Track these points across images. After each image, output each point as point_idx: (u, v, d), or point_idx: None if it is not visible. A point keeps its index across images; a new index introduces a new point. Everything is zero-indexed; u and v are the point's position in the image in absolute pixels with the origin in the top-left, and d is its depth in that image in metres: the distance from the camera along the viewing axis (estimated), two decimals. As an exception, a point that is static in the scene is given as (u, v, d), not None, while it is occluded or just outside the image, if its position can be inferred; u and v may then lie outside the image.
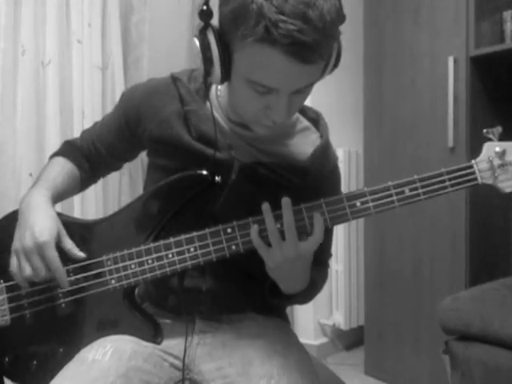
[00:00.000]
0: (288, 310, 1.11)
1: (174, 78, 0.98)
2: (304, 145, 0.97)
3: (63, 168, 1.05)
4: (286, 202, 0.82)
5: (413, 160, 2.12)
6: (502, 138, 0.84)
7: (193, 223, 0.90)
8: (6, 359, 0.95)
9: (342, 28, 0.82)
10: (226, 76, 0.82)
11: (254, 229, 0.84)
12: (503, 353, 1.42)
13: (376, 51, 2.25)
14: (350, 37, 2.60)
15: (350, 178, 2.56)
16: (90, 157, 1.09)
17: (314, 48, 0.74)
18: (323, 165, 0.97)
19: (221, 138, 0.92)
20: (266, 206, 0.83)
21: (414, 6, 2.10)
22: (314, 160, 0.95)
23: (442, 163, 2.01)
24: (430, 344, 2.08)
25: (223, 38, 0.79)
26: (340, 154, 2.52)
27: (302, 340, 1.06)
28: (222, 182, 0.91)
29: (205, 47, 0.80)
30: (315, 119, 1.02)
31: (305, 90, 0.83)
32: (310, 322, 2.59)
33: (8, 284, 0.95)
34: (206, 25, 0.80)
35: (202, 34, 0.80)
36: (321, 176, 0.96)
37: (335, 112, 2.59)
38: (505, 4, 1.97)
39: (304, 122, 1.01)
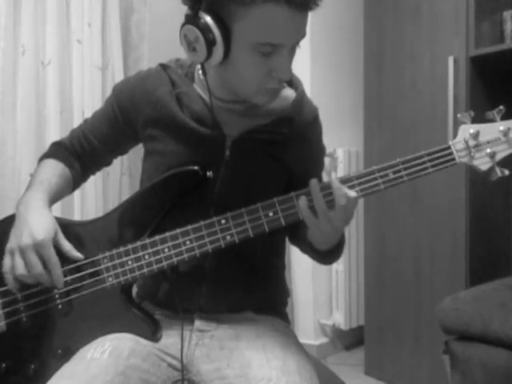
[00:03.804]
0: (288, 309, 1.11)
1: (164, 66, 1.02)
2: (283, 100, 1.02)
3: (55, 169, 1.05)
4: (333, 179, 0.85)
5: (413, 160, 2.11)
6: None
7: (192, 215, 0.91)
8: (3, 365, 0.94)
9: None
10: (227, 52, 0.85)
11: (303, 200, 0.85)
12: (503, 353, 1.42)
13: (376, 51, 2.25)
14: (350, 36, 2.61)
15: (350, 178, 2.55)
16: (82, 153, 1.09)
17: None
18: (304, 111, 1.02)
19: (212, 116, 0.95)
20: (314, 182, 0.86)
21: (414, 5, 2.10)
22: (295, 107, 1.00)
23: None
24: (430, 344, 2.08)
25: (219, 15, 0.82)
26: (340, 153, 2.52)
27: (302, 340, 1.06)
28: (218, 161, 0.95)
29: (205, 29, 0.83)
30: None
31: (297, 46, 0.89)
32: (310, 321, 2.59)
33: (2, 289, 0.94)
34: (197, 10, 0.83)
35: (197, 19, 0.83)
36: (304, 123, 1.02)
37: (335, 112, 2.59)
38: (505, 4, 1.96)
39: None
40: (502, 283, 1.66)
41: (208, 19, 0.82)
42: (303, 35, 0.87)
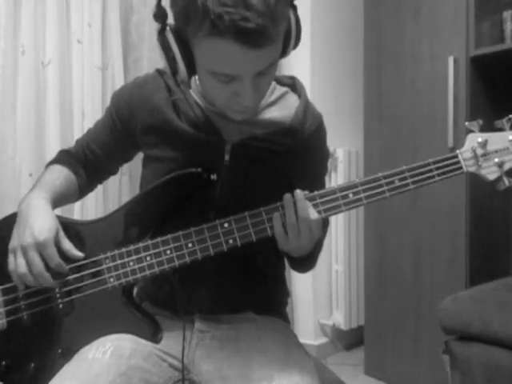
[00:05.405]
0: (288, 309, 1.11)
1: (160, 72, 1.01)
2: (286, 108, 1.00)
3: (60, 173, 1.05)
4: (298, 193, 0.86)
5: (413, 160, 2.09)
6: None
7: (192, 219, 0.90)
8: (3, 363, 0.94)
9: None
10: (190, 72, 0.84)
11: (277, 216, 0.86)
12: (503, 353, 1.42)
13: (376, 51, 2.25)
14: (350, 36, 2.61)
15: (349, 178, 2.56)
16: (86, 162, 1.10)
17: (261, 32, 0.75)
18: (308, 121, 1.00)
19: (209, 122, 0.95)
20: (287, 197, 0.86)
21: (414, 5, 2.10)
22: (298, 118, 0.98)
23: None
24: (429, 344, 2.08)
25: (181, 35, 0.82)
26: (340, 153, 2.53)
27: (302, 340, 1.06)
28: (217, 166, 0.93)
29: (166, 47, 0.82)
30: (291, 83, 1.05)
31: (268, 71, 0.84)
32: (310, 321, 2.59)
33: (4, 287, 0.95)
34: (163, 26, 0.82)
35: (162, 35, 0.82)
36: (307, 133, 0.99)
37: (335, 112, 2.59)
38: (505, 4, 1.96)
39: (281, 89, 1.04)
40: (502, 283, 1.67)
41: (170, 39, 0.82)
42: (268, 64, 0.82)
